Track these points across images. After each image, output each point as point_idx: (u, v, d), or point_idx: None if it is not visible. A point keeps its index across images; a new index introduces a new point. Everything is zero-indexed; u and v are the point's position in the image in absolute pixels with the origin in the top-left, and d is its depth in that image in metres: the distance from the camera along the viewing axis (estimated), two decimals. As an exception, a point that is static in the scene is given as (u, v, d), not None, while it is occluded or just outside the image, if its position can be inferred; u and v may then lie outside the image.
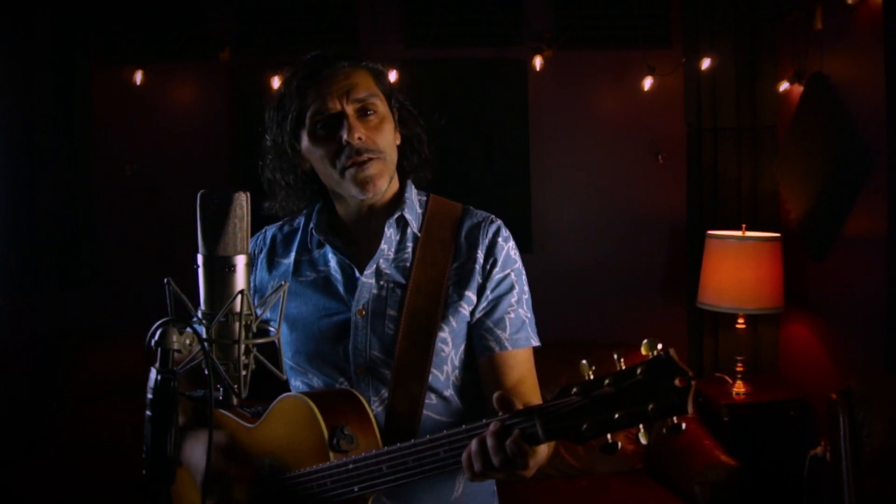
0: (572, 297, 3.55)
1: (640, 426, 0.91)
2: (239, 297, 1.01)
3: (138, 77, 3.34)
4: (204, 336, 0.99)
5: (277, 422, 1.29)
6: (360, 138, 1.28)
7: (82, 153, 3.39)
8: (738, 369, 3.21)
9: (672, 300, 3.60)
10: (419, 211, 1.41)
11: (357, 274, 1.35)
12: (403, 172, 1.42)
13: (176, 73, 3.48)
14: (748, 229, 3.22)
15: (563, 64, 3.46)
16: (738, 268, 3.10)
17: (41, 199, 3.24)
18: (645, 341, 0.91)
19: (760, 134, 3.47)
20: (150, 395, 0.96)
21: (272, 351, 1.09)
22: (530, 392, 1.33)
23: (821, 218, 3.10)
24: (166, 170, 3.48)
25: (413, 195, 1.42)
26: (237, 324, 1.01)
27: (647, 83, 3.38)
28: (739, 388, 3.17)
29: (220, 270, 1.01)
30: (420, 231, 1.38)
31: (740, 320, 3.23)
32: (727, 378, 3.29)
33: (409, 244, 1.38)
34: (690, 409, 0.87)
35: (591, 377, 0.96)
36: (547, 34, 3.42)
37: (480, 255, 1.35)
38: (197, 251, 1.02)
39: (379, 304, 1.34)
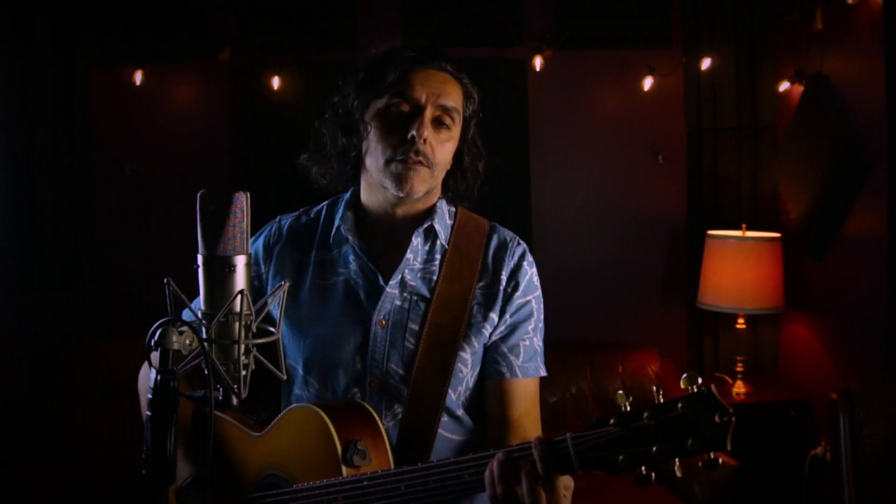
0: (572, 297, 3.55)
1: (676, 460, 0.91)
2: (239, 297, 1.01)
3: (138, 77, 3.34)
4: (204, 336, 0.99)
5: (286, 432, 1.25)
6: (425, 141, 1.25)
7: (82, 153, 3.39)
8: (738, 369, 3.21)
9: (672, 300, 3.60)
10: (448, 222, 1.38)
11: (381, 282, 1.32)
12: (444, 189, 1.39)
13: (176, 73, 3.48)
14: (748, 229, 3.22)
15: (563, 64, 3.46)
16: (738, 268, 3.10)
17: (41, 199, 3.24)
18: (685, 375, 0.92)
19: (760, 134, 3.47)
20: (149, 395, 0.96)
21: (271, 351, 1.08)
22: (531, 426, 1.31)
23: (821, 218, 3.10)
24: (166, 170, 3.48)
25: (444, 207, 1.39)
26: (237, 324, 1.01)
27: (647, 83, 3.38)
28: (739, 388, 3.17)
29: (220, 271, 1.01)
30: (448, 244, 1.35)
31: (740, 320, 3.23)
32: (727, 378, 3.29)
33: (437, 256, 1.34)
34: (729, 446, 0.88)
35: (628, 408, 0.96)
36: (547, 34, 3.42)
37: (504, 277, 1.33)
38: (197, 251, 1.02)
39: (401, 316, 1.30)
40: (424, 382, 1.27)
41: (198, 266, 1.02)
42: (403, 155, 1.25)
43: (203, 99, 3.51)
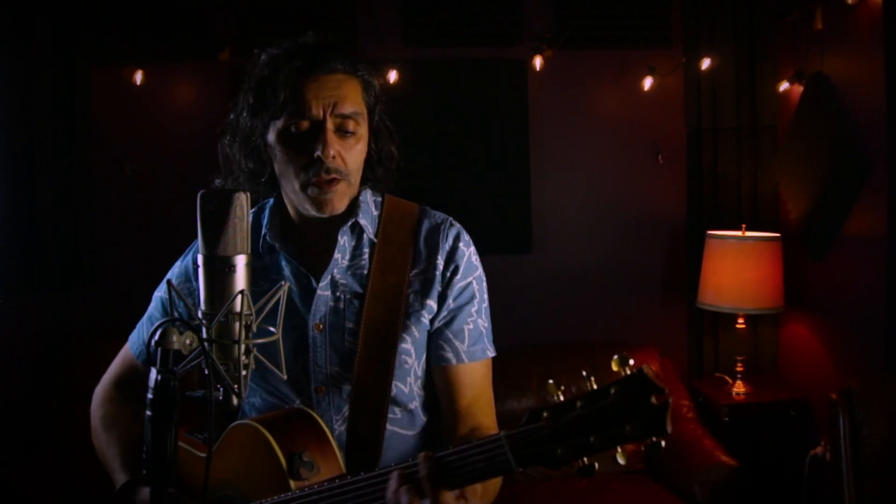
0: (572, 297, 3.55)
1: (618, 448, 0.87)
2: (239, 297, 1.01)
3: (138, 77, 3.34)
4: (204, 336, 0.99)
5: (232, 451, 1.21)
6: (333, 157, 1.21)
7: (82, 153, 3.39)
8: (738, 369, 3.21)
9: (672, 300, 3.60)
10: (375, 213, 1.34)
11: (314, 285, 1.28)
12: (364, 181, 1.34)
13: (176, 73, 3.47)
14: (748, 229, 3.22)
15: (563, 64, 3.46)
16: (738, 268, 3.10)
17: (41, 199, 3.24)
18: (615, 357, 0.87)
19: (760, 134, 3.47)
20: (149, 395, 0.96)
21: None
22: (483, 412, 1.29)
23: (821, 218, 3.10)
24: (166, 170, 3.48)
25: (368, 198, 1.34)
26: (237, 324, 1.01)
27: (647, 83, 3.38)
28: (739, 388, 3.17)
29: (220, 270, 1.01)
30: (376, 236, 1.31)
31: (740, 320, 3.23)
32: (727, 378, 3.29)
33: (366, 250, 1.31)
34: (669, 428, 0.83)
35: (562, 398, 0.91)
36: (547, 34, 3.42)
37: (440, 262, 1.30)
38: (197, 251, 1.03)
39: (336, 317, 1.27)
40: (367, 379, 1.24)
41: (198, 266, 1.03)
42: (316, 176, 1.20)
43: (203, 99, 3.51)
